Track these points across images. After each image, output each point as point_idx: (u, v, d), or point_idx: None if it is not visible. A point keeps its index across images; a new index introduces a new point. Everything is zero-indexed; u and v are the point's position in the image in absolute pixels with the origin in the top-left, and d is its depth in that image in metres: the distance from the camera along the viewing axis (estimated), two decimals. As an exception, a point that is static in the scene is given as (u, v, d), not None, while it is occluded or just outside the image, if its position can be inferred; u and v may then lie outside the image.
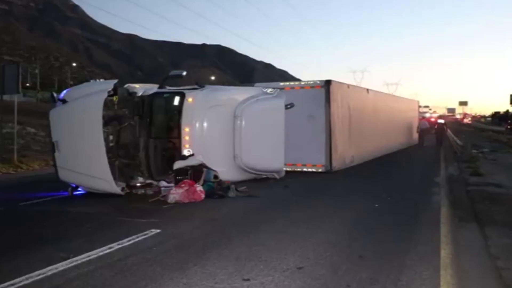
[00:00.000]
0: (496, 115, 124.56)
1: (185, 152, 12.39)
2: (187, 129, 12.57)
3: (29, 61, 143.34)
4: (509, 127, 73.66)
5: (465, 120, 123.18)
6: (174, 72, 14.41)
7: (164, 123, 13.72)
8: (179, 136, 12.68)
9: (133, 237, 7.45)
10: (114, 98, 12.33)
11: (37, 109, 41.90)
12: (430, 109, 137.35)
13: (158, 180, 12.41)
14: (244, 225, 8.45)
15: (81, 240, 7.37)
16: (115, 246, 6.93)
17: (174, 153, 13.00)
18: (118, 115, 12.55)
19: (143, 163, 12.97)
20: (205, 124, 12.81)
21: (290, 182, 14.02)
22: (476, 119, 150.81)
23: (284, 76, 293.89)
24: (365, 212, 9.83)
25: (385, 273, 5.76)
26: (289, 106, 14.67)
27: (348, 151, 18.41)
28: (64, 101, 11.90)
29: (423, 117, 49.31)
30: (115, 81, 12.39)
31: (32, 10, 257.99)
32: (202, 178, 11.84)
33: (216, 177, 12.14)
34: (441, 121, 37.64)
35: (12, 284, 5.36)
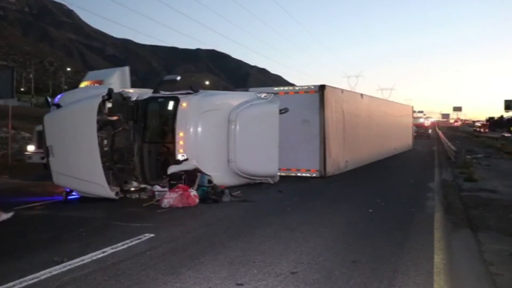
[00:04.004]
0: (490, 120, 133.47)
1: (179, 157, 12.41)
2: (181, 134, 12.57)
3: (23, 66, 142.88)
4: (474, 128, 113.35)
5: (456, 124, 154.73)
6: (169, 77, 14.47)
7: (159, 127, 13.72)
8: (173, 141, 12.69)
9: (127, 241, 7.44)
10: (109, 102, 12.31)
11: (32, 114, 41.78)
12: (424, 114, 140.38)
13: (152, 185, 12.38)
14: (238, 230, 8.45)
15: (75, 244, 7.34)
16: (109, 250, 6.91)
17: (168, 157, 13.01)
18: (113, 119, 12.53)
19: (137, 168, 12.95)
20: (199, 129, 12.81)
21: (284, 187, 14.03)
22: (468, 124, 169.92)
23: (278, 80, 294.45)
24: (359, 217, 9.84)
25: (379, 278, 5.77)
26: (283, 111, 14.70)
27: (342, 156, 18.44)
28: (58, 105, 11.89)
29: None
30: (110, 85, 12.36)
31: (26, 15, 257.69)
32: (196, 183, 11.83)
33: (210, 181, 12.13)
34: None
35: (5, 289, 5.35)
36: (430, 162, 25.12)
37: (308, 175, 16.79)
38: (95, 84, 14.24)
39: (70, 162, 11.25)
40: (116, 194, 11.55)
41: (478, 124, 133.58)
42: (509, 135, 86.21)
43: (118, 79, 14.23)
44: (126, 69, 14.88)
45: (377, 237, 8.04)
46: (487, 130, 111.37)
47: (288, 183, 14.84)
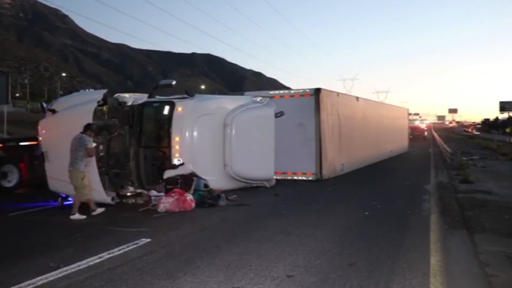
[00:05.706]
0: (486, 122, 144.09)
1: (175, 161, 12.38)
2: (177, 138, 12.55)
3: (18, 71, 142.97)
4: (465, 129, 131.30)
5: (451, 125, 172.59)
6: (164, 81, 14.41)
7: (154, 132, 13.69)
8: (169, 145, 12.66)
9: (123, 246, 7.42)
10: (104, 107, 12.30)
11: (27, 119, 41.75)
12: (420, 117, 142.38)
13: (149, 189, 12.36)
14: (234, 234, 8.45)
15: (71, 250, 7.33)
16: (105, 255, 6.90)
17: (164, 162, 12.97)
18: (108, 124, 12.51)
19: (133, 173, 12.92)
20: (195, 133, 12.80)
21: (280, 190, 14.01)
22: (464, 126, 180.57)
23: (274, 84, 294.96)
24: (355, 220, 9.85)
25: (375, 281, 5.78)
26: (279, 114, 14.72)
27: (338, 159, 18.45)
28: (53, 111, 11.86)
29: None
30: (105, 90, 12.34)
31: (21, 20, 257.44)
32: (193, 187, 11.83)
33: (206, 186, 12.13)
34: None
35: (1, 295, 5.33)
36: (426, 164, 25.17)
37: (304, 178, 16.80)
38: None
39: (66, 167, 11.21)
40: (112, 199, 11.52)
41: (478, 126, 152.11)
42: (478, 133, 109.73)
43: None
44: None
45: (373, 239, 8.04)
46: (473, 130, 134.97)
47: (284, 187, 14.85)
